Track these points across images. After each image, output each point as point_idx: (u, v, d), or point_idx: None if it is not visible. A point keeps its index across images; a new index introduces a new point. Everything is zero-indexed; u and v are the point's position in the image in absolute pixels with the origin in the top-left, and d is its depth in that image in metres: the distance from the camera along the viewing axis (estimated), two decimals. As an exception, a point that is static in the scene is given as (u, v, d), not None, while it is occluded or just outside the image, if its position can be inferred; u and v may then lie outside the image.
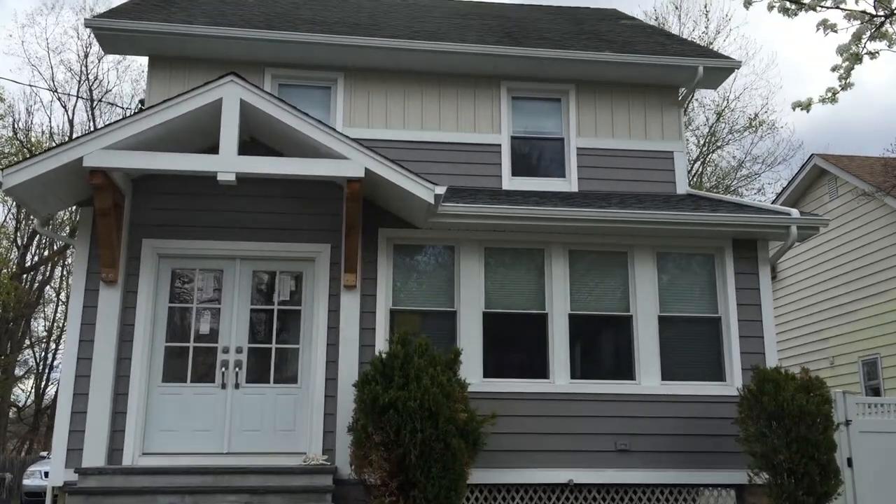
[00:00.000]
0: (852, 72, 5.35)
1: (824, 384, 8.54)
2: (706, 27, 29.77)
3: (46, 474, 15.09)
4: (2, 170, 7.90)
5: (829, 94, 5.63)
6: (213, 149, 8.39)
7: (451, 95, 11.09)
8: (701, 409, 9.38)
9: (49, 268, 32.61)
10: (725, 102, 29.74)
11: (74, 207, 9.30)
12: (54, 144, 8.03)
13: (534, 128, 11.32)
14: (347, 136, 8.58)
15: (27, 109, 43.09)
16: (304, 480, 7.95)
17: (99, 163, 8.00)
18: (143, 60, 11.00)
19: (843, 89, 5.55)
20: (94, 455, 8.33)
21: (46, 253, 31.93)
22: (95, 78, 33.02)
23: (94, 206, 8.48)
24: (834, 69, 5.49)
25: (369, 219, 9.33)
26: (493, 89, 11.20)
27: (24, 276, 31.28)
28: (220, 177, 8.19)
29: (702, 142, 29.82)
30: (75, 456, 8.39)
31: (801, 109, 5.77)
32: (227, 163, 8.21)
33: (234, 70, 8.71)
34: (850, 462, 11.46)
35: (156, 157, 8.24)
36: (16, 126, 30.99)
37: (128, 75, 33.81)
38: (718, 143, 30.08)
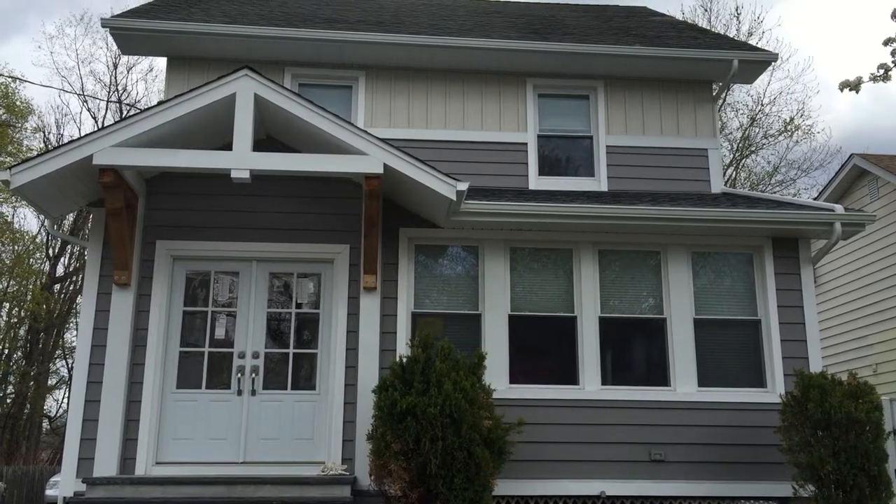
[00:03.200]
0: (909, 44, 4.87)
1: (874, 390, 8.02)
2: (737, 30, 29.10)
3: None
4: (10, 168, 7.67)
5: (882, 72, 5.15)
6: (228, 148, 8.09)
7: (475, 93, 10.75)
8: (740, 416, 8.89)
9: (81, 278, 32.73)
10: (760, 106, 29.07)
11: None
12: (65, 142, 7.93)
13: (561, 126, 10.92)
14: (365, 131, 8.25)
15: (56, 122, 43.39)
16: (321, 491, 7.58)
17: (109, 160, 7.74)
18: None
19: (896, 65, 5.06)
20: (106, 464, 8.04)
21: (79, 264, 32.06)
22: (124, 89, 33.22)
23: (105, 207, 8.23)
24: (887, 42, 5.00)
25: (389, 218, 9.00)
26: (519, 87, 10.84)
27: (56, 286, 31.41)
28: (233, 174, 7.89)
29: (735, 147, 29.13)
30: (87, 465, 8.10)
31: (850, 90, 5.27)
32: (241, 160, 7.91)
33: (254, 69, 8.41)
34: (898, 474, 10.89)
35: (167, 154, 7.96)
36: (46, 140, 31.22)
37: (155, 86, 33.84)
38: (752, 148, 29.35)
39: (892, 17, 4.83)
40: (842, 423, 7.64)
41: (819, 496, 7.71)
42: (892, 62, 5.11)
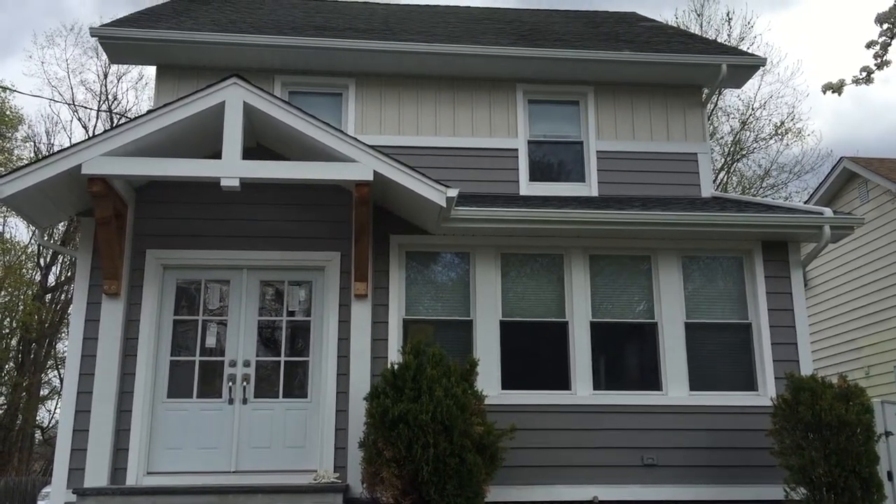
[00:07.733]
0: (890, 47, 4.90)
1: (864, 392, 8.05)
2: (728, 34, 29.22)
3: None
4: (-2, 178, 7.64)
5: (864, 75, 5.18)
6: (218, 156, 8.08)
7: (465, 100, 10.77)
8: (732, 420, 8.90)
9: (72, 288, 32.58)
10: (750, 111, 29.18)
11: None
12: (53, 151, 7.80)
13: (552, 131, 10.95)
14: (355, 138, 8.27)
15: (47, 132, 43.13)
16: (314, 499, 7.56)
17: (98, 170, 7.72)
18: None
19: (878, 68, 5.08)
20: (97, 475, 8.00)
21: (70, 274, 31.95)
22: (114, 98, 33.13)
23: (94, 216, 8.21)
24: (869, 45, 5.03)
25: (380, 225, 9.01)
26: (509, 93, 10.86)
27: (47, 296, 31.29)
28: (223, 182, 7.89)
29: (726, 151, 29.24)
30: (77, 476, 8.06)
31: (833, 92, 5.31)
32: (231, 168, 7.91)
33: (243, 77, 8.40)
34: (890, 476, 10.97)
35: (156, 162, 7.95)
36: (36, 149, 31.12)
37: (145, 94, 33.76)
38: (743, 152, 29.46)
39: (875, 21, 4.87)
40: (833, 425, 7.66)
41: (811, 499, 7.72)
42: (875, 64, 5.15)
